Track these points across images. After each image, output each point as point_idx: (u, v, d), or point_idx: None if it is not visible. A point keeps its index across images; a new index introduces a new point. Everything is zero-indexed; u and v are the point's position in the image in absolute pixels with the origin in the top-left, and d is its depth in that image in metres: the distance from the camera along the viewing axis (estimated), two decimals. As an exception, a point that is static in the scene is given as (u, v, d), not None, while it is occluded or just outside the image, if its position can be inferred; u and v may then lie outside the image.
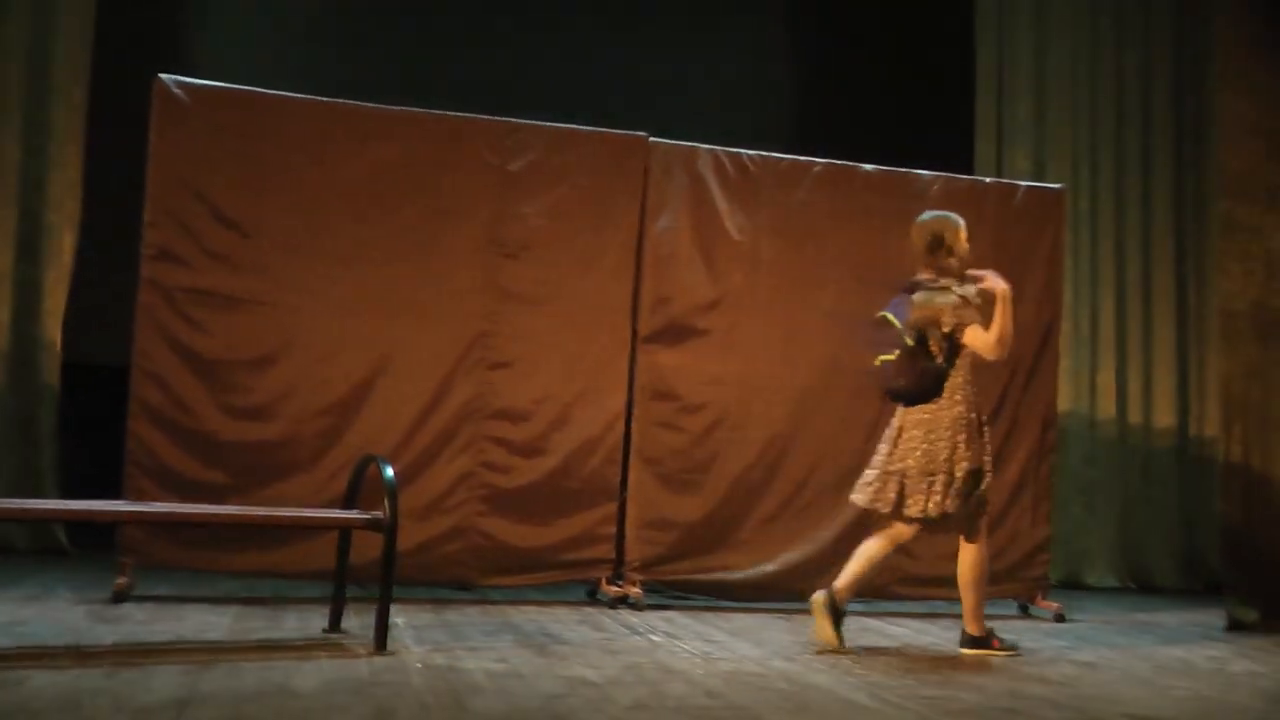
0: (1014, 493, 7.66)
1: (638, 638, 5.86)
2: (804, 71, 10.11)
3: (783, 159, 7.52)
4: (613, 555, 7.07)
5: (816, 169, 7.54)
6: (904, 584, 7.45)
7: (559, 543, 6.98)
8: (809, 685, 4.83)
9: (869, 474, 5.98)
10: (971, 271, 6.01)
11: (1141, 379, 9.94)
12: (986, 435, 5.95)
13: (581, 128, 7.21)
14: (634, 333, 7.17)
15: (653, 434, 7.15)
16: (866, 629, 6.60)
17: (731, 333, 7.29)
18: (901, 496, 5.82)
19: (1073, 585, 8.88)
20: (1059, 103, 9.86)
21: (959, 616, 6.08)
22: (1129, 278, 9.97)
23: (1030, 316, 7.71)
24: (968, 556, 5.96)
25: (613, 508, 7.07)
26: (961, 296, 5.89)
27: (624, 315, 7.16)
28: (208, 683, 4.23)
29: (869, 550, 5.91)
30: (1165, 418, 9.99)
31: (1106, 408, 9.79)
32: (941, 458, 5.76)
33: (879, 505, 5.88)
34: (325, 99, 6.81)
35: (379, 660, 4.83)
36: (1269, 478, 7.91)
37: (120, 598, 6.08)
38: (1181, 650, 6.53)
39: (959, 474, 5.75)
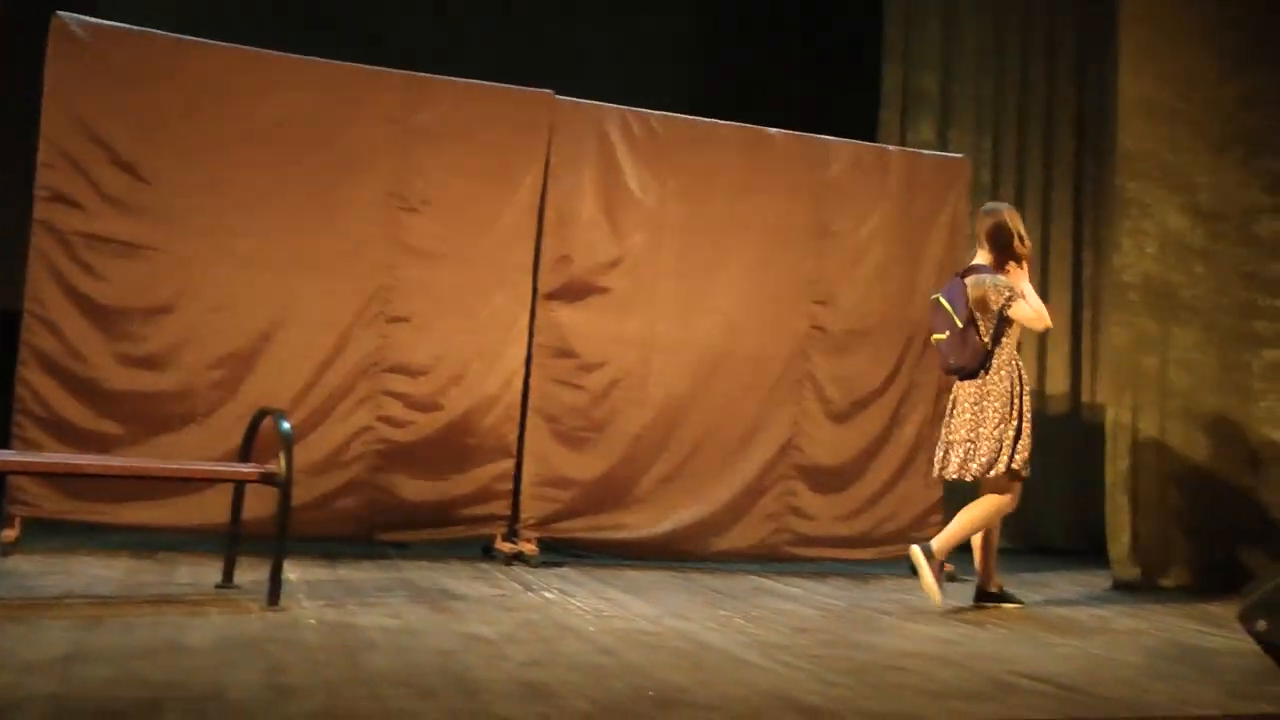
0: (909, 456, 7.81)
1: (532, 594, 5.86)
2: (711, 34, 10.06)
3: (690, 121, 7.53)
4: (509, 512, 7.07)
5: (723, 132, 7.56)
6: (797, 544, 7.56)
7: (455, 498, 6.96)
8: (702, 644, 4.86)
9: (938, 448, 6.56)
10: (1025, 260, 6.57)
11: (1036, 346, 10.09)
12: (1028, 406, 6.39)
13: (487, 83, 7.15)
14: (534, 290, 7.15)
15: (551, 391, 7.15)
16: (759, 589, 6.67)
17: (633, 292, 7.30)
18: (948, 460, 6.42)
19: (965, 546, 8.96)
20: (964, 75, 9.93)
21: (851, 576, 6.18)
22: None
23: (930, 283, 7.85)
24: (987, 501, 6.40)
25: (509, 464, 7.06)
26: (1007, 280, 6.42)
27: (525, 272, 7.13)
28: (97, 638, 4.18)
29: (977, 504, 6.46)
30: (1059, 384, 10.17)
31: (1002, 373, 9.92)
32: (990, 425, 6.29)
33: (944, 474, 6.50)
34: (227, 44, 6.69)
35: (272, 616, 4.80)
36: (1155, 444, 8.15)
37: (7, 551, 5.98)
38: (1069, 609, 6.70)
39: (1005, 441, 6.26)
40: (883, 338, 7.75)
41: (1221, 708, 4.27)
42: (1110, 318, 8.53)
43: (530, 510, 7.05)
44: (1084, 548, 9.49)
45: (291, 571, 5.68)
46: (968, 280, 6.40)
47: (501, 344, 7.08)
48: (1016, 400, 6.32)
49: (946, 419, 6.52)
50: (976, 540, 6.52)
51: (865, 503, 7.66)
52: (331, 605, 5.12)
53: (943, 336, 6.45)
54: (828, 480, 7.62)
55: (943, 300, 6.47)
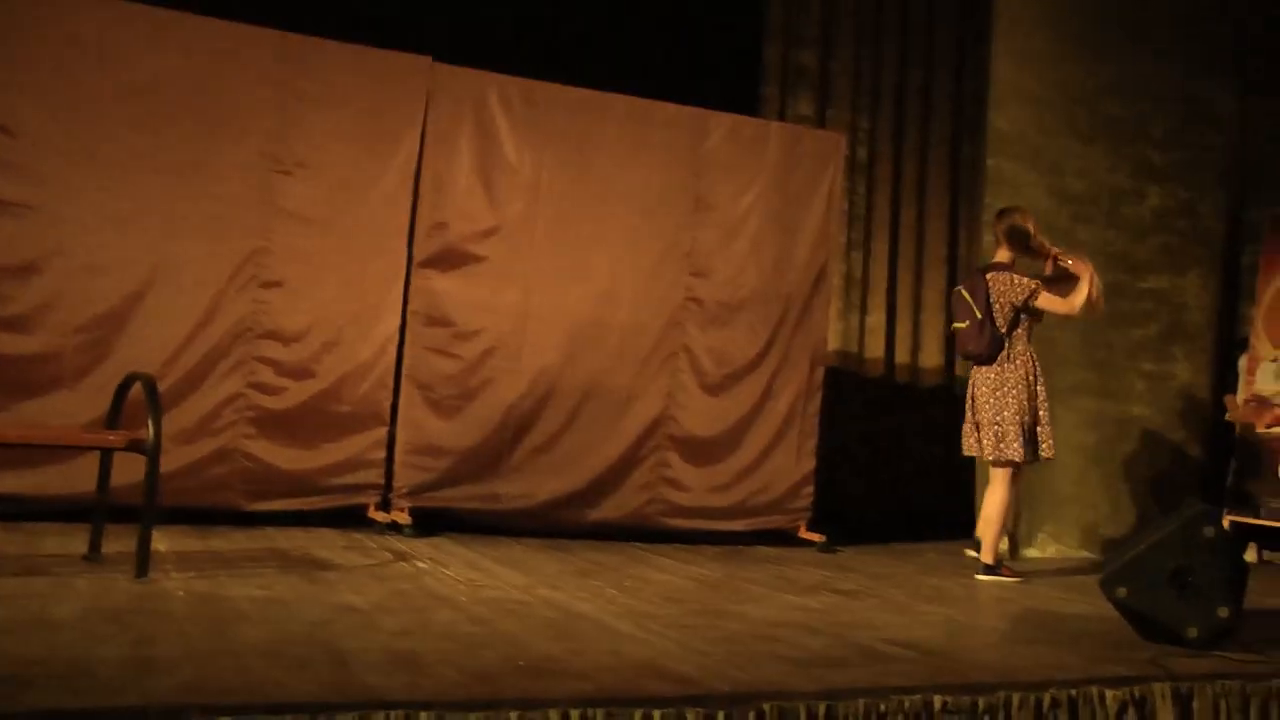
0: (782, 428, 7.88)
1: (405, 564, 5.85)
2: (593, 3, 10.01)
3: (568, 90, 7.49)
4: (382, 481, 7.02)
5: (602, 102, 7.54)
6: (671, 515, 7.61)
7: (328, 467, 6.89)
8: (573, 613, 4.89)
9: (965, 427, 7.21)
10: (1058, 252, 7.22)
11: (911, 321, 10.23)
12: (1042, 394, 7.06)
13: (365, 47, 7.05)
14: (410, 257, 7.09)
15: (425, 359, 7.10)
16: (633, 559, 6.72)
17: (509, 261, 7.26)
18: (981, 444, 7.04)
19: (839, 517, 9.01)
20: (843, 53, 9.97)
21: (725, 547, 6.28)
22: (903, 224, 10.22)
23: (805, 257, 7.95)
24: (994, 498, 7.05)
25: (383, 432, 7.01)
26: (1034, 276, 7.07)
27: (400, 239, 7.07)
28: (-43, 610, 4.10)
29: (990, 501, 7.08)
30: (933, 358, 10.31)
31: (875, 348, 10.05)
32: (1010, 410, 6.93)
33: (976, 453, 7.15)
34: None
35: (140, 588, 4.72)
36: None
37: None
38: (938, 578, 6.85)
39: (1026, 423, 6.94)
40: (758, 310, 7.81)
41: (1082, 672, 4.39)
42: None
43: (403, 479, 7.02)
44: (958, 518, 9.61)
45: (160, 542, 5.60)
46: (989, 276, 7.05)
47: (376, 311, 7.01)
48: (1033, 388, 7.00)
49: (968, 403, 7.16)
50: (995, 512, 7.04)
51: (739, 474, 7.74)
52: (201, 576, 5.06)
53: (963, 325, 7.10)
54: (701, 451, 7.68)
55: (964, 292, 7.12)
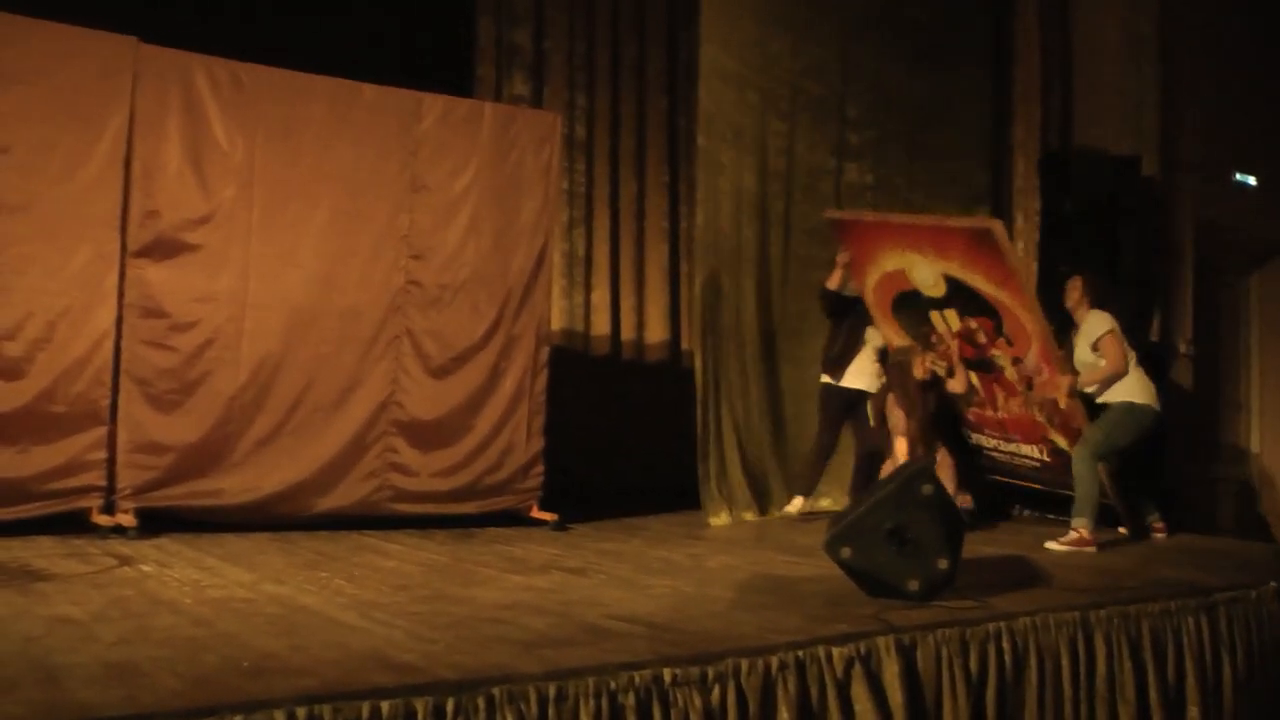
0: (510, 408, 7.91)
1: (128, 569, 5.67)
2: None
3: (277, 72, 7.33)
4: (104, 482, 6.77)
5: (314, 85, 7.41)
6: (399, 500, 7.57)
7: (46, 471, 6.59)
8: (299, 607, 4.86)
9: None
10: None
11: (635, 297, 10.37)
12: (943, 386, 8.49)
13: (66, 25, 6.73)
14: (123, 247, 6.85)
15: (142, 353, 6.88)
16: (361, 547, 6.68)
17: (224, 249, 7.07)
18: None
19: (570, 494, 9.02)
20: (557, 31, 10.00)
21: (455, 530, 6.36)
22: (623, 200, 10.35)
23: (526, 237, 7.99)
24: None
25: (102, 432, 6.76)
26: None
27: (111, 228, 6.80)
28: None
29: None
30: (658, 333, 10.48)
31: (601, 325, 10.17)
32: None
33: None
34: None
35: None
36: (737, 389, 8.61)
37: None
38: (665, 550, 6.98)
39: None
40: (481, 292, 7.81)
41: (805, 632, 4.58)
42: (696, 270, 8.92)
43: (125, 479, 6.80)
44: (682, 490, 9.77)
45: None
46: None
47: (89, 304, 6.74)
48: (940, 382, 8.38)
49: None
50: None
51: (467, 457, 7.74)
52: (-95, 595, 4.84)
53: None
54: (428, 435, 7.66)
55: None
